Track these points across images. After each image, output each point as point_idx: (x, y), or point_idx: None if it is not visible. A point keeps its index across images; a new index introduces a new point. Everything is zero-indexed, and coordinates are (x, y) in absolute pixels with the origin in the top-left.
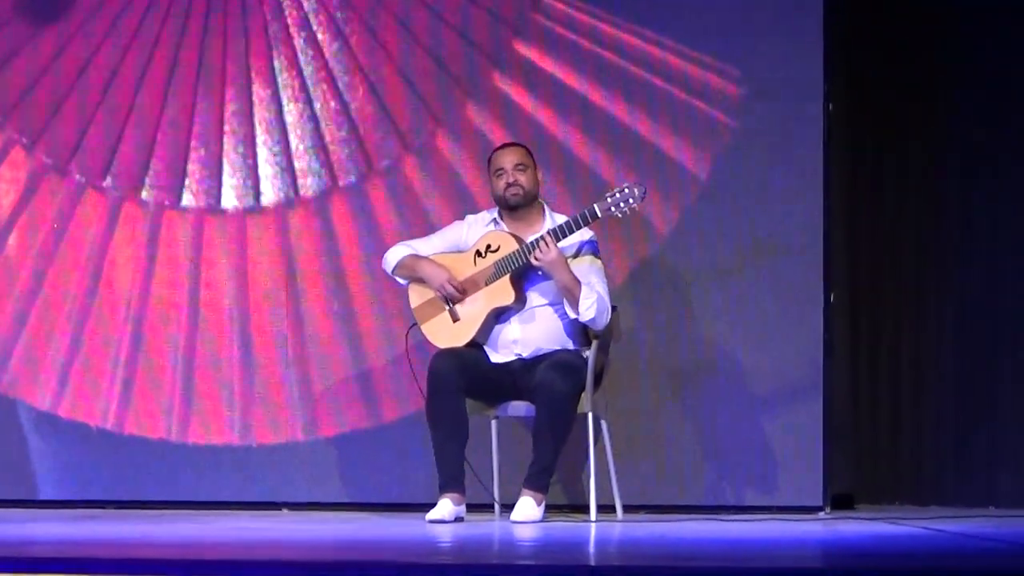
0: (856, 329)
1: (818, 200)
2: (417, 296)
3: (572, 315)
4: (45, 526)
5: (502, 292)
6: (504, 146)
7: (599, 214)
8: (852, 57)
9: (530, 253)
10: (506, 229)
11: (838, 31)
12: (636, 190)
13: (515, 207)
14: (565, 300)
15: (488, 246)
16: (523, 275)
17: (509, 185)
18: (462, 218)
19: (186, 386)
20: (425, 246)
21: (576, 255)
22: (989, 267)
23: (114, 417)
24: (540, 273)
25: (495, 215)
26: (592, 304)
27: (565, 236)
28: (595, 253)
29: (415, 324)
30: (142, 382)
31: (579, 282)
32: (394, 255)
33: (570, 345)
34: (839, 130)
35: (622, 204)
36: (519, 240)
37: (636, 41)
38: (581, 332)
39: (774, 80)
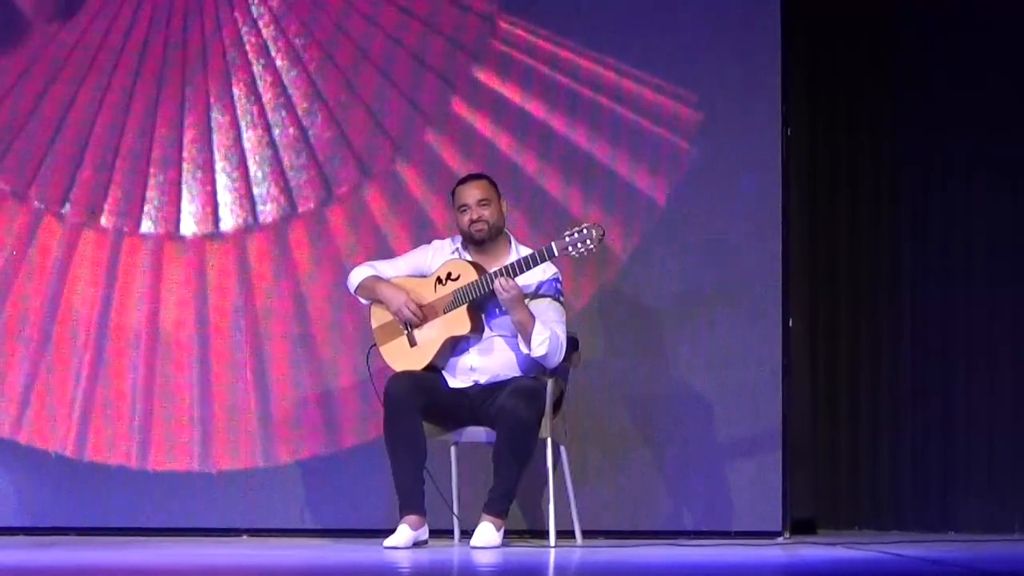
0: (814, 355)
1: (777, 226)
2: (377, 318)
3: (524, 350)
4: (4, 553)
5: (459, 321)
6: (467, 180)
7: (556, 253)
8: (809, 80)
9: (490, 284)
10: (468, 258)
11: (796, 55)
12: (594, 231)
13: (480, 242)
14: (518, 335)
15: (449, 274)
16: (481, 305)
17: (473, 221)
18: (427, 242)
19: (146, 412)
20: (389, 268)
21: (535, 294)
22: (946, 291)
23: (73, 443)
24: (500, 306)
25: (458, 244)
26: (544, 341)
27: (519, 274)
28: (556, 293)
29: (374, 345)
30: (101, 408)
31: (533, 319)
32: (357, 275)
33: (528, 373)
34: (797, 154)
35: (579, 245)
36: (480, 270)
37: (594, 67)
38: (537, 363)
39: (732, 105)
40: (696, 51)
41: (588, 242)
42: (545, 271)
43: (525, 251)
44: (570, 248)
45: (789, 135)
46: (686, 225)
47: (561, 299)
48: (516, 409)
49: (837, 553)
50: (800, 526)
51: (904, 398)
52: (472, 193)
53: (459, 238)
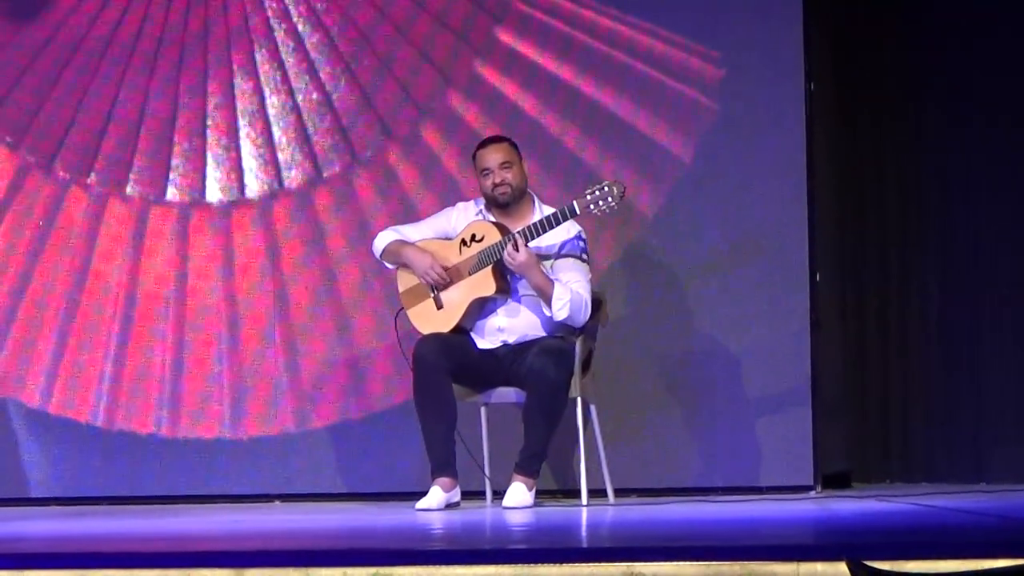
0: (844, 309)
1: (802, 181)
2: (404, 282)
3: (547, 313)
4: (37, 523)
5: (484, 283)
6: (488, 143)
7: (578, 211)
8: (834, 35)
9: (503, 249)
10: (492, 220)
11: (819, 9)
12: (615, 188)
13: (504, 205)
14: (540, 298)
15: (473, 235)
16: (506, 267)
17: (496, 185)
18: (451, 205)
19: (175, 380)
20: (414, 232)
21: (559, 253)
22: (972, 244)
23: (104, 413)
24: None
25: (482, 206)
26: (565, 304)
27: (540, 235)
28: (580, 252)
29: (402, 309)
30: (131, 377)
31: (551, 282)
32: (382, 240)
33: (557, 333)
34: (822, 108)
35: (600, 203)
36: (503, 231)
37: (616, 25)
38: (564, 323)
39: (755, 61)
40: (718, 7)
41: (610, 199)
42: (569, 230)
43: (549, 210)
44: (591, 206)
45: (813, 89)
46: (712, 182)
47: (585, 257)
48: (545, 369)
49: (869, 506)
50: (835, 480)
51: (933, 350)
52: (494, 157)
53: (482, 200)
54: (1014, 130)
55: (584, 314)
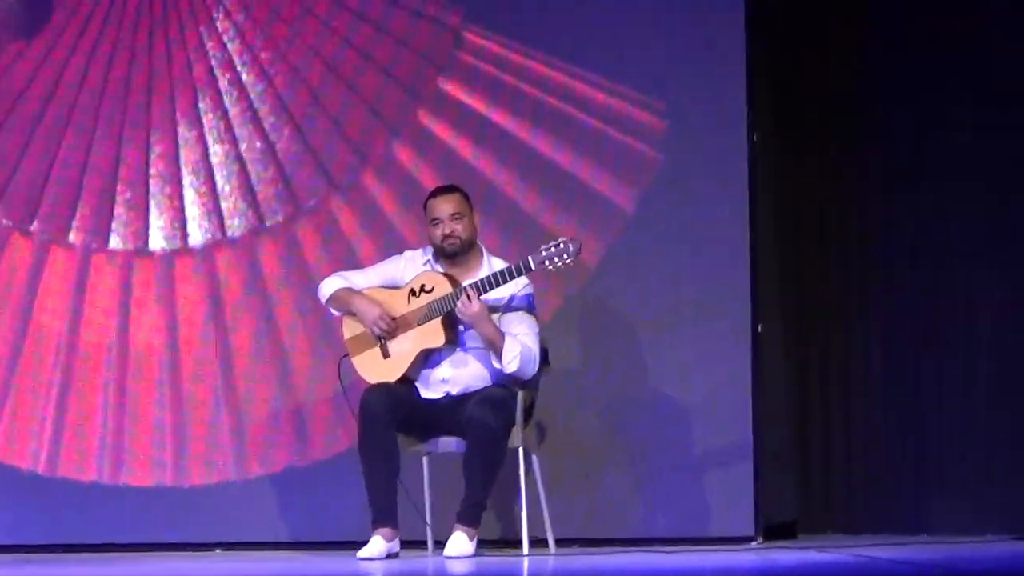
0: (786, 362)
1: (745, 232)
2: (350, 329)
3: (497, 366)
4: None
5: (433, 334)
6: (439, 192)
7: (533, 267)
8: (777, 86)
9: (455, 301)
10: (440, 270)
11: (760, 61)
12: (571, 245)
13: (452, 255)
14: (490, 351)
15: (423, 286)
16: (456, 318)
17: (446, 236)
18: (399, 253)
19: (117, 428)
20: (361, 279)
21: (508, 306)
22: (915, 298)
23: (46, 460)
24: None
25: (430, 255)
26: (516, 357)
27: (492, 288)
28: (529, 306)
29: (346, 355)
30: (73, 424)
31: (502, 335)
32: (328, 286)
33: (501, 383)
34: (765, 159)
35: (556, 259)
36: (454, 283)
37: (560, 76)
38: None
39: (698, 112)
40: (661, 60)
41: (565, 256)
42: (518, 284)
43: (497, 262)
44: (547, 262)
45: (755, 140)
46: (655, 232)
47: (534, 310)
48: (484, 418)
49: (809, 556)
50: (780, 531)
51: (876, 401)
52: (445, 207)
53: (430, 249)
54: (959, 184)
55: (533, 367)
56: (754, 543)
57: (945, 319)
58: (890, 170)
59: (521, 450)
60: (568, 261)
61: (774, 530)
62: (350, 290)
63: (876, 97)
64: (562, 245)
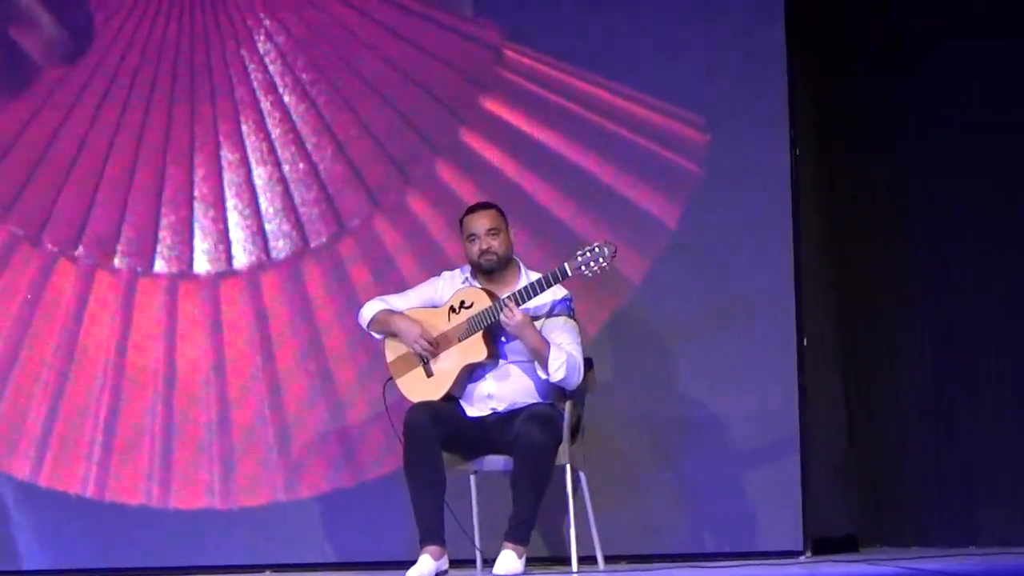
0: (832, 373)
1: (788, 244)
2: (392, 351)
3: (543, 376)
4: None
5: (475, 349)
6: (475, 209)
7: (569, 273)
8: (818, 98)
9: (501, 311)
10: (479, 286)
11: (802, 72)
12: (606, 249)
13: (490, 271)
14: (535, 361)
15: (462, 302)
16: (497, 332)
17: (483, 252)
18: (436, 274)
19: (165, 451)
20: (400, 301)
21: (549, 314)
22: (963, 307)
23: (94, 484)
24: (513, 336)
25: (468, 273)
26: (561, 365)
27: (532, 297)
28: (569, 312)
29: (391, 379)
30: (121, 448)
31: (547, 343)
32: (369, 310)
33: (545, 400)
34: (807, 172)
35: (592, 264)
36: (493, 297)
37: (601, 92)
38: (555, 387)
39: (740, 125)
40: (702, 74)
41: (601, 260)
42: (556, 292)
43: (535, 276)
44: (583, 267)
45: (798, 153)
46: (698, 246)
47: (575, 317)
48: (532, 435)
49: (859, 570)
50: (839, 544)
51: (924, 412)
52: (481, 223)
53: (468, 268)
54: (1001, 190)
55: (579, 375)
56: (802, 557)
57: (995, 329)
58: (935, 179)
59: (568, 467)
60: (604, 265)
61: (832, 544)
62: (390, 312)
63: (922, 106)
64: (597, 249)
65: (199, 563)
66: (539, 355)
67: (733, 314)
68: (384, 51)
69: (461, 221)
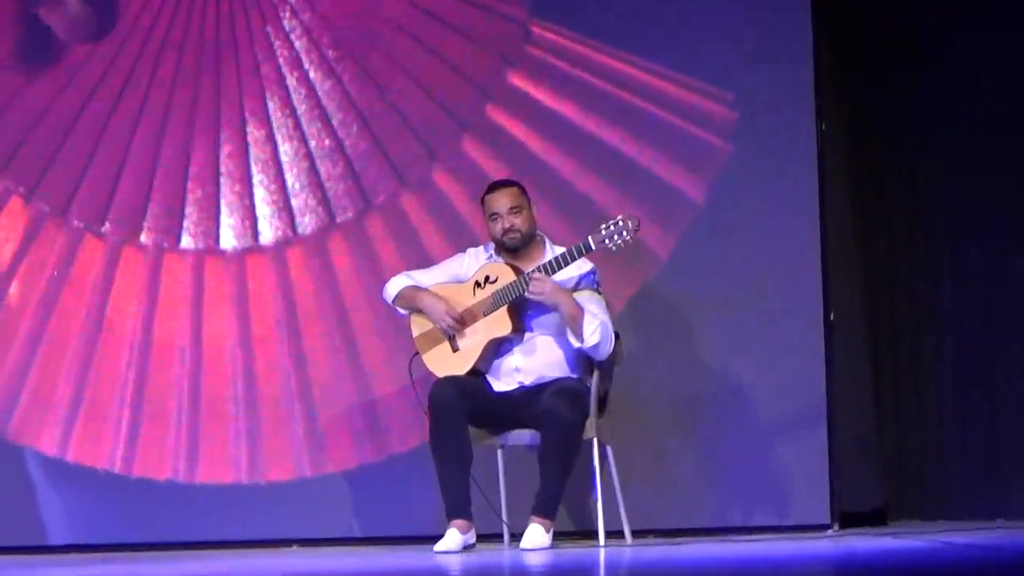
0: (859, 349)
1: (815, 220)
2: (418, 327)
3: (576, 344)
4: (58, 570)
5: (500, 323)
6: (496, 187)
7: (593, 247)
8: (845, 75)
9: (527, 285)
10: (504, 261)
11: (830, 50)
12: (630, 222)
13: (514, 249)
14: (568, 329)
15: (487, 277)
16: (522, 306)
17: (506, 230)
18: (462, 250)
19: (192, 426)
20: (426, 277)
21: (575, 288)
22: (989, 283)
23: (121, 460)
24: (541, 305)
25: (491, 251)
26: (596, 329)
27: (557, 271)
28: (594, 285)
29: (417, 354)
30: (148, 424)
31: (582, 309)
32: (394, 286)
33: (572, 373)
34: (834, 148)
35: (616, 237)
36: (517, 271)
37: (628, 68)
38: (583, 360)
39: (767, 102)
40: (729, 50)
41: (624, 233)
42: (581, 266)
43: (560, 251)
44: (607, 241)
45: (824, 129)
46: (725, 223)
47: (600, 291)
48: (559, 410)
49: (886, 543)
50: (868, 518)
51: (949, 388)
52: (503, 202)
53: (492, 245)
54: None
55: (611, 343)
56: (830, 531)
57: (1020, 305)
58: (960, 155)
59: (596, 441)
60: (628, 238)
61: (860, 517)
62: (416, 288)
63: (947, 86)
64: (620, 223)
65: (226, 538)
66: (574, 321)
67: (760, 289)
68: (410, 27)
69: (482, 200)
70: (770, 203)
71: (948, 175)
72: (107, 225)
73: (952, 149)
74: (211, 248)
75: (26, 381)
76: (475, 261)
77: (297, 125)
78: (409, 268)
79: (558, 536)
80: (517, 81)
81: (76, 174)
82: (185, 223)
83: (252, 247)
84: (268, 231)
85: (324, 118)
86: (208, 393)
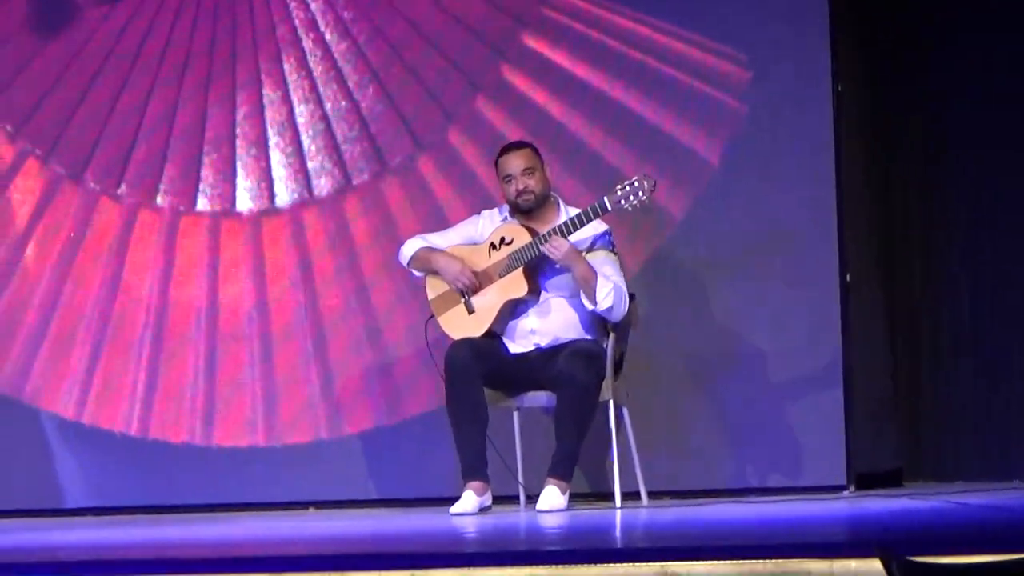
0: (874, 311)
1: (830, 182)
2: (433, 289)
3: (589, 306)
4: (75, 532)
5: (516, 284)
6: (509, 148)
7: (609, 208)
8: (861, 35)
9: (542, 245)
10: (519, 222)
11: (846, 9)
12: (646, 183)
13: (528, 211)
14: (582, 291)
15: (502, 239)
16: (537, 267)
17: (520, 192)
18: (477, 213)
19: (208, 389)
20: (441, 240)
21: (590, 249)
22: (1003, 246)
23: (138, 422)
24: (556, 266)
25: (506, 213)
26: (609, 293)
27: (573, 231)
28: (609, 246)
29: (432, 316)
30: (164, 386)
31: (595, 272)
32: (409, 248)
33: (588, 335)
34: (850, 109)
35: (631, 198)
36: (532, 232)
37: (643, 29)
38: (598, 322)
39: (782, 62)
40: (744, 9)
41: (640, 194)
42: (596, 227)
43: (575, 211)
44: (622, 201)
45: (840, 90)
46: (740, 184)
47: (616, 251)
48: (575, 372)
49: (902, 504)
50: (884, 479)
51: (964, 349)
52: (516, 163)
53: (506, 207)
54: None
55: (624, 305)
56: (846, 492)
57: None
58: (980, 118)
59: (612, 403)
60: (643, 199)
61: (876, 478)
62: (431, 249)
63: (964, 46)
64: (636, 183)
65: (242, 500)
66: (587, 284)
67: (775, 250)
68: None
69: (496, 162)
70: (785, 164)
71: (972, 133)
72: (123, 188)
73: (976, 106)
74: (227, 211)
75: (43, 344)
76: (490, 223)
77: (313, 87)
78: (425, 230)
79: (574, 498)
80: (532, 42)
81: (92, 137)
82: (201, 186)
83: (268, 209)
84: (284, 193)
85: (340, 80)
86: (224, 356)
